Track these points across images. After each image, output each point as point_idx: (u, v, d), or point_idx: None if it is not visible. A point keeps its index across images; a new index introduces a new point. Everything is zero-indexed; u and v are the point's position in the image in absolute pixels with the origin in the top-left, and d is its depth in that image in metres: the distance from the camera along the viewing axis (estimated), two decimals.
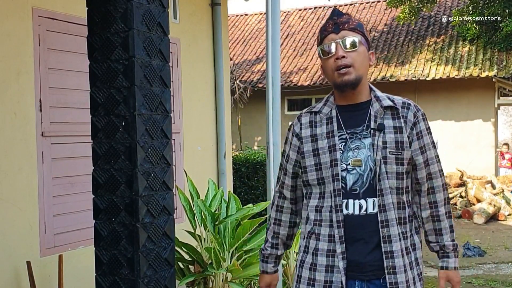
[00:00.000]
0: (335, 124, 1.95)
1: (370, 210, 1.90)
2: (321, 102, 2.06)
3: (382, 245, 1.87)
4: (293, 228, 2.17)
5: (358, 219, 1.90)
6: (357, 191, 1.91)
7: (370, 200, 1.90)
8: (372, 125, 1.92)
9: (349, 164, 1.91)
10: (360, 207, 1.90)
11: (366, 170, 1.90)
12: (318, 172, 1.95)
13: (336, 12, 1.99)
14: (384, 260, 1.87)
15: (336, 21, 1.95)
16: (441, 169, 2.01)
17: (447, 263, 1.99)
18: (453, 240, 2.01)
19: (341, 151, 1.92)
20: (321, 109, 2.02)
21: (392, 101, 1.97)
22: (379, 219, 1.88)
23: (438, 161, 2.00)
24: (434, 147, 2.00)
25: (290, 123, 2.03)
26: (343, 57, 1.90)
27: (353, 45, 1.91)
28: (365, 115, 1.94)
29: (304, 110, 2.10)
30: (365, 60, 1.96)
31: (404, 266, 1.89)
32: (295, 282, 2.03)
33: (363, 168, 1.90)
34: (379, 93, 2.01)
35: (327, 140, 1.94)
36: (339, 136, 1.94)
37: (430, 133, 2.00)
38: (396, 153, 1.90)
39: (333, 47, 1.92)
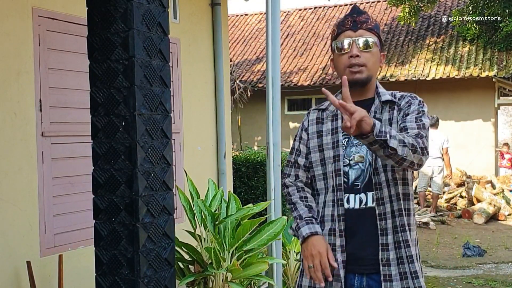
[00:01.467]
0: (340, 121, 1.99)
1: (370, 203, 1.93)
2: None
3: (380, 237, 1.90)
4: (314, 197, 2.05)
5: (358, 213, 1.94)
6: (359, 186, 1.95)
7: (370, 194, 1.94)
8: None
9: (351, 159, 1.94)
10: (361, 201, 1.94)
11: (366, 165, 1.95)
12: (322, 168, 2.00)
13: (356, 10, 2.01)
14: (380, 252, 1.90)
15: (355, 19, 1.97)
16: (425, 135, 1.85)
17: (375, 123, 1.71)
18: (396, 138, 1.72)
19: (344, 147, 1.97)
20: (328, 106, 2.07)
21: (393, 96, 2.01)
22: (377, 212, 1.91)
23: (423, 128, 1.87)
24: (420, 128, 1.87)
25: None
26: (357, 56, 1.92)
27: (369, 45, 1.94)
28: (367, 112, 1.97)
29: (313, 107, 2.15)
30: (377, 61, 2.00)
31: (399, 259, 1.90)
32: (299, 276, 2.08)
33: (364, 163, 1.95)
34: (381, 89, 2.05)
35: (331, 137, 1.99)
36: (342, 132, 1.98)
37: (423, 114, 1.91)
38: None
39: (348, 44, 1.94)
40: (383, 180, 1.92)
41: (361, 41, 1.93)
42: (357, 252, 1.92)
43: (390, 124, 1.95)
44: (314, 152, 2.03)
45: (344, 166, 1.95)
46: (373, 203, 1.92)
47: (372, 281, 1.91)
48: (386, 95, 2.01)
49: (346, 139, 1.97)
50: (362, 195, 1.94)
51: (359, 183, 1.94)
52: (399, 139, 1.72)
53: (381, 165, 1.92)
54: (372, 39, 1.94)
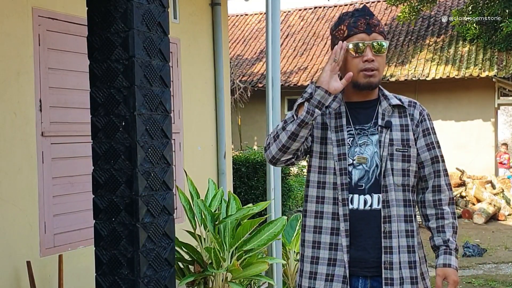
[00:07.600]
0: (344, 119, 1.98)
1: (375, 205, 1.92)
2: None
3: (382, 240, 1.89)
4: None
5: (363, 214, 1.92)
6: (363, 187, 1.93)
7: (375, 196, 1.92)
8: (380, 122, 1.95)
9: (354, 159, 1.93)
10: (365, 202, 1.92)
11: (372, 166, 1.93)
12: (320, 161, 1.98)
13: (367, 11, 1.97)
14: (382, 255, 1.89)
15: (369, 22, 1.93)
16: (446, 170, 2.02)
17: (449, 260, 1.93)
18: (455, 240, 1.97)
19: (349, 146, 1.96)
20: (330, 104, 2.04)
21: (400, 100, 2.02)
22: (382, 215, 1.90)
23: (443, 161, 2.02)
24: (439, 147, 2.02)
25: None
26: (373, 60, 1.91)
27: (382, 50, 1.93)
28: (373, 113, 1.98)
29: None
30: (385, 64, 2.03)
31: (402, 263, 1.89)
32: (298, 276, 2.04)
33: (369, 164, 1.93)
34: (386, 92, 2.05)
35: (335, 134, 1.97)
36: (348, 131, 1.97)
37: (434, 133, 2.02)
38: (402, 150, 1.93)
39: (363, 48, 1.91)
40: (391, 183, 1.91)
41: (375, 45, 1.91)
42: (361, 254, 1.91)
43: (403, 130, 1.96)
44: (317, 143, 2.00)
45: (348, 165, 1.95)
46: (378, 205, 1.91)
47: (375, 283, 1.91)
48: (393, 98, 2.01)
49: (351, 138, 1.96)
50: (367, 197, 1.92)
51: (363, 184, 1.93)
52: (455, 232, 2.01)
53: (389, 168, 1.91)
54: (385, 43, 1.93)
